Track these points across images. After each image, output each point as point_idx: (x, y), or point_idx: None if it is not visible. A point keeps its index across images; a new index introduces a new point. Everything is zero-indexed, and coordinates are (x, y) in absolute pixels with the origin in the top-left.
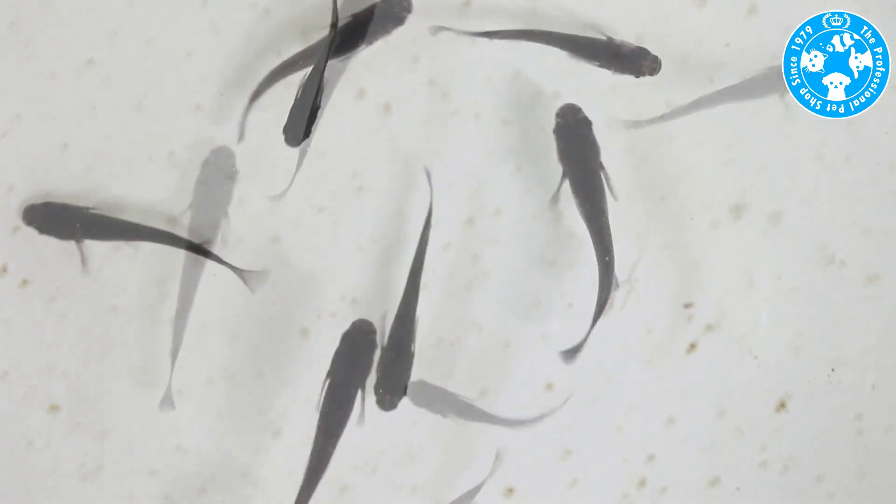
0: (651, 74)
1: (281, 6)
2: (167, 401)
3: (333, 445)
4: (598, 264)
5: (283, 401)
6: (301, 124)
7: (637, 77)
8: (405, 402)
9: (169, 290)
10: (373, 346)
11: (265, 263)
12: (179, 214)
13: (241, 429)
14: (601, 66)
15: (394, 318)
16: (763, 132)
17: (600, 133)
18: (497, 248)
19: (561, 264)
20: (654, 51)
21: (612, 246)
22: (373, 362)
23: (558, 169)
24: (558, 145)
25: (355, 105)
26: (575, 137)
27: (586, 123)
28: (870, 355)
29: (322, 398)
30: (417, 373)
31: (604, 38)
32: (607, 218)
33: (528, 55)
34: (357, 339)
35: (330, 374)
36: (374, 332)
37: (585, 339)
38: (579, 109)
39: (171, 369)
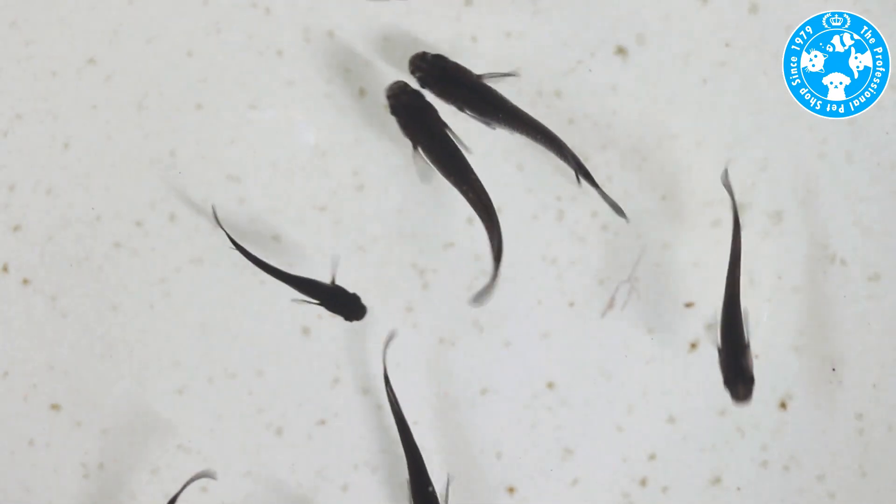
0: (735, 399)
1: (281, 6)
2: None
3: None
4: (483, 219)
5: (283, 400)
6: (356, 308)
7: (732, 399)
8: (406, 404)
9: (169, 290)
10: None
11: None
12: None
13: (241, 428)
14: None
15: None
16: (764, 132)
17: (601, 132)
18: None
19: (561, 263)
20: (654, 49)
21: (490, 200)
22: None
23: (559, 168)
24: (399, 122)
25: (356, 104)
26: (413, 110)
27: (416, 95)
28: (871, 354)
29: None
30: (418, 370)
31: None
32: (475, 172)
33: (528, 55)
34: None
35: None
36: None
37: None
38: (406, 84)
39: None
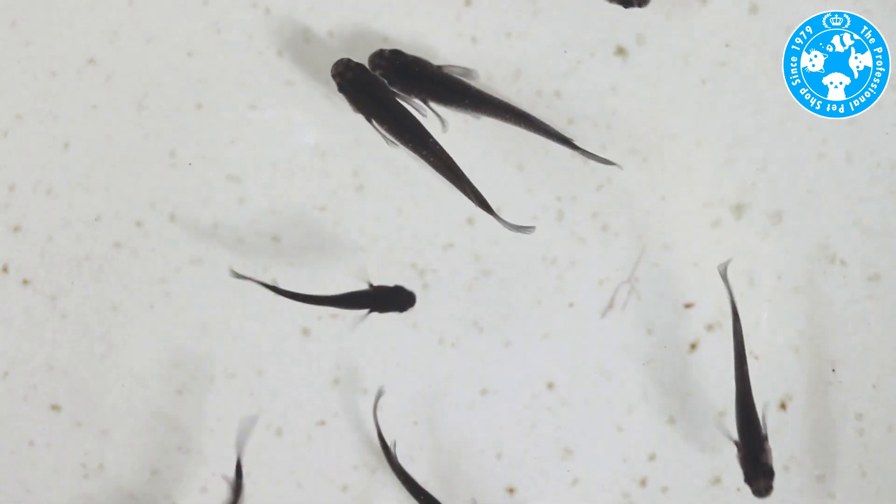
0: (757, 494)
1: (281, 6)
2: None
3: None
4: (450, 180)
5: (283, 401)
6: (405, 298)
7: (754, 494)
8: (406, 404)
9: (169, 290)
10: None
11: (266, 263)
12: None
13: (241, 429)
14: None
15: None
16: (764, 132)
17: (601, 132)
18: (498, 248)
19: (561, 264)
20: (654, 49)
21: (452, 160)
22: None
23: (558, 169)
24: (349, 99)
25: None
26: (360, 84)
27: (361, 69)
28: (871, 354)
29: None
30: (418, 370)
31: None
32: (434, 139)
33: (528, 55)
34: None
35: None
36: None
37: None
38: (349, 60)
39: None
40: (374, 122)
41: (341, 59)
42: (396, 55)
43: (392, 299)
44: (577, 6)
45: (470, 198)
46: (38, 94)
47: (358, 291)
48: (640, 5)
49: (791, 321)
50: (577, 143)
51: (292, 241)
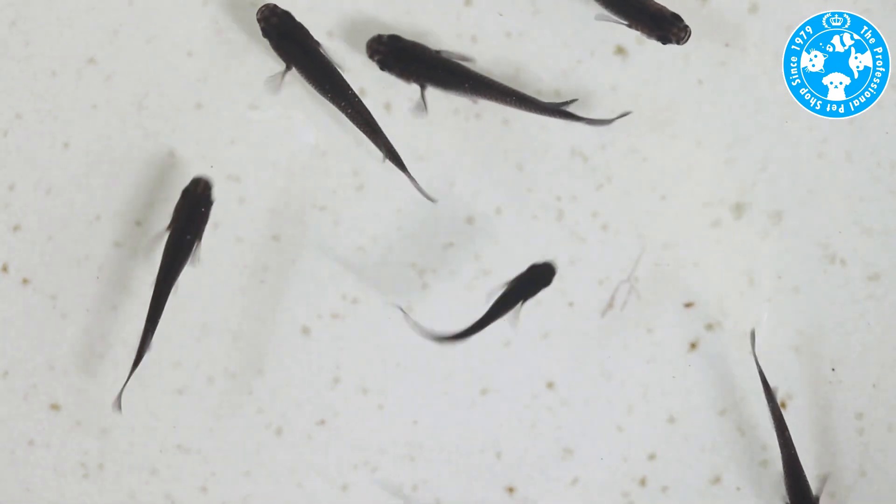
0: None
1: (281, 6)
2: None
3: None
4: (367, 133)
5: (283, 400)
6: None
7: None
8: (406, 404)
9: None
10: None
11: (265, 263)
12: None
13: (241, 428)
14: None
15: None
16: (764, 132)
17: (603, 133)
18: (497, 248)
19: (561, 263)
20: (654, 49)
21: (370, 114)
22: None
23: (558, 169)
24: (272, 44)
25: None
26: (284, 31)
27: (287, 16)
28: (871, 354)
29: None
30: (418, 370)
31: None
32: (352, 88)
33: (528, 55)
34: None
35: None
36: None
37: None
38: (275, 6)
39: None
40: (295, 70)
41: (267, 4)
42: (395, 40)
43: (540, 279)
44: (577, 6)
45: (385, 154)
46: (38, 94)
47: (507, 292)
48: (678, 42)
49: (791, 321)
50: (580, 123)
51: (292, 241)
